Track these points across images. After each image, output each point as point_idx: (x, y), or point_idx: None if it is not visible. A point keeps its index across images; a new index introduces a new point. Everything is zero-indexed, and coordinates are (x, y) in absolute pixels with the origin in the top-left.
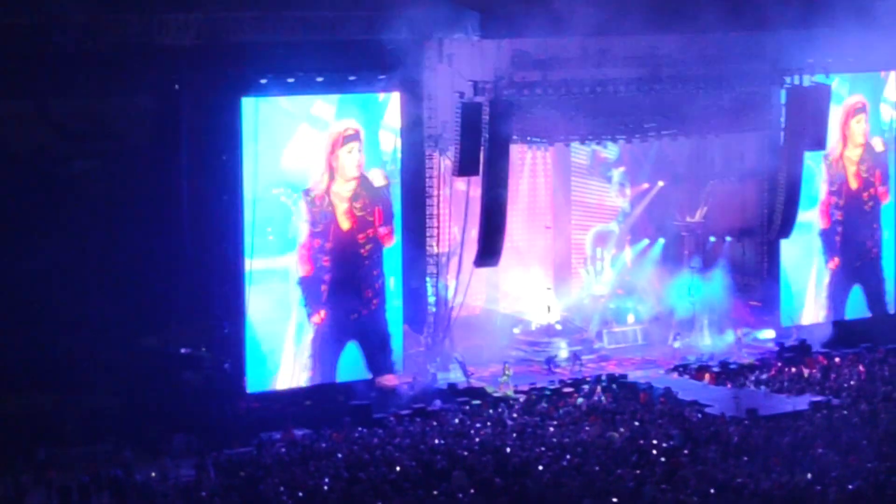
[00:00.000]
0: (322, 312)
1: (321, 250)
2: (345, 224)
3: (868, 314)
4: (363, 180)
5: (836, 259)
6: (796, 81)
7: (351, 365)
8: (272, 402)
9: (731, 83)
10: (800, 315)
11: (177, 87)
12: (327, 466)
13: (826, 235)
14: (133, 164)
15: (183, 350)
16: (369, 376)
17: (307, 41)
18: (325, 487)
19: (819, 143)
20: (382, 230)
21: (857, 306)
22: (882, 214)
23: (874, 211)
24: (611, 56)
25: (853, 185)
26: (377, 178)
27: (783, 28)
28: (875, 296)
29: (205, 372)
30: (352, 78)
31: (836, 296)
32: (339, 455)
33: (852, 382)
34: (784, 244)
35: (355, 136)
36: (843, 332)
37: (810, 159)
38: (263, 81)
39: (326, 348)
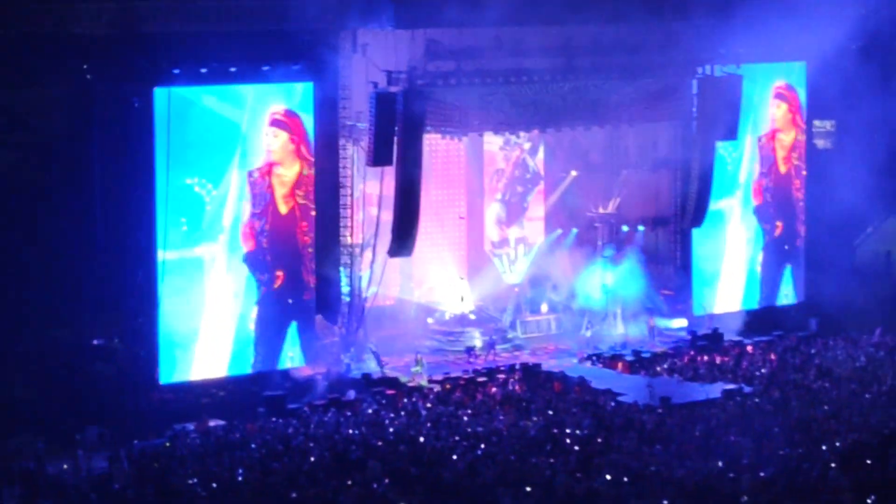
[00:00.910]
0: (280, 273)
1: (261, 232)
2: (283, 208)
3: (795, 298)
4: (304, 166)
5: (766, 241)
6: (708, 71)
7: (292, 349)
8: (186, 394)
9: (645, 73)
10: (714, 303)
11: (89, 76)
12: (241, 457)
13: (760, 213)
14: (44, 155)
15: (95, 341)
16: (305, 360)
17: (220, 31)
18: (240, 478)
19: (731, 133)
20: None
21: (788, 290)
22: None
23: (802, 193)
24: (525, 46)
25: (782, 168)
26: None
27: (695, 18)
28: (799, 277)
29: (118, 363)
30: (265, 68)
31: (770, 278)
32: (254, 446)
33: (764, 370)
34: (698, 232)
35: (279, 123)
36: (756, 320)
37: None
38: (176, 71)
39: (268, 332)
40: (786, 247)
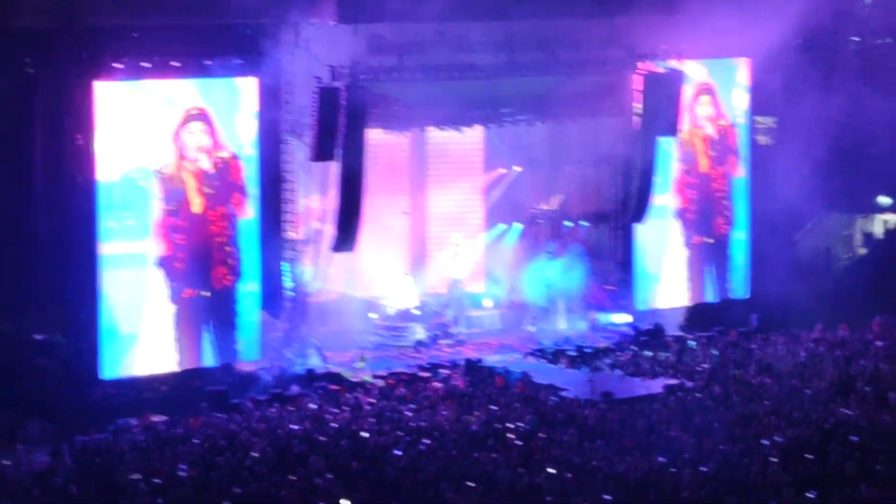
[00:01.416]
0: (189, 290)
1: (175, 228)
2: (196, 201)
3: (717, 295)
4: (214, 159)
5: (696, 237)
6: (650, 67)
7: (214, 344)
8: (129, 388)
9: (588, 69)
10: (656, 298)
11: (31, 70)
12: (184, 452)
13: (682, 215)
14: None
15: (37, 336)
16: (220, 357)
17: (163, 25)
18: (182, 473)
19: (672, 129)
20: (233, 204)
21: (714, 286)
22: (735, 193)
23: (724, 189)
24: (468, 40)
25: (703, 165)
26: (231, 157)
27: (638, 13)
28: (722, 275)
29: (60, 358)
30: (207, 62)
31: (695, 276)
32: (196, 441)
33: (705, 366)
34: (641, 228)
35: (199, 117)
36: (698, 316)
37: (666, 141)
38: (118, 66)
39: (188, 329)
40: (710, 240)
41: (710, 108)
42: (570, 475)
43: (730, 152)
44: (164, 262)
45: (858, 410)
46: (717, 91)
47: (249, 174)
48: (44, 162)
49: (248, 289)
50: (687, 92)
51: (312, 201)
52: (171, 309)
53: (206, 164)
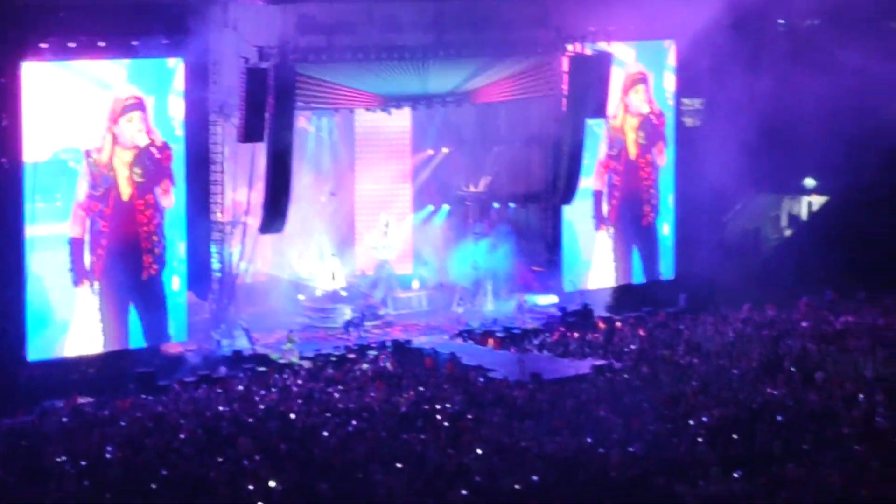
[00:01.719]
0: (86, 281)
1: (100, 214)
2: (126, 190)
3: (645, 276)
4: (147, 147)
5: (611, 223)
6: (578, 49)
7: (138, 331)
8: (56, 370)
9: (517, 50)
10: (584, 279)
11: None
12: (111, 434)
13: (599, 197)
14: None
15: None
16: (146, 342)
17: (89, 4)
18: (109, 455)
19: (600, 111)
20: (160, 192)
21: (642, 267)
22: (661, 181)
23: (651, 177)
24: (398, 21)
25: (632, 152)
26: (162, 145)
27: None
28: (649, 260)
29: None
30: (134, 43)
31: (621, 259)
32: (123, 423)
33: (633, 346)
34: (568, 209)
35: (136, 106)
36: (626, 296)
37: (594, 124)
38: (44, 45)
39: (112, 314)
40: (633, 227)
41: (644, 96)
42: (498, 456)
43: (660, 138)
44: (75, 245)
45: (785, 390)
46: (651, 79)
47: (177, 156)
48: None
49: (175, 271)
50: (621, 80)
51: (239, 194)
52: (97, 291)
53: (140, 152)
